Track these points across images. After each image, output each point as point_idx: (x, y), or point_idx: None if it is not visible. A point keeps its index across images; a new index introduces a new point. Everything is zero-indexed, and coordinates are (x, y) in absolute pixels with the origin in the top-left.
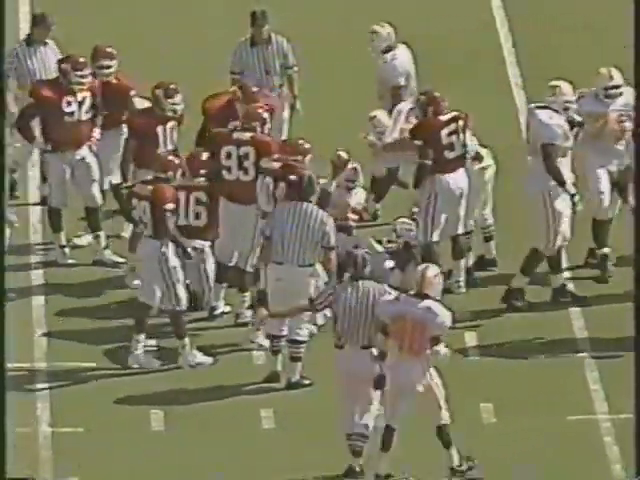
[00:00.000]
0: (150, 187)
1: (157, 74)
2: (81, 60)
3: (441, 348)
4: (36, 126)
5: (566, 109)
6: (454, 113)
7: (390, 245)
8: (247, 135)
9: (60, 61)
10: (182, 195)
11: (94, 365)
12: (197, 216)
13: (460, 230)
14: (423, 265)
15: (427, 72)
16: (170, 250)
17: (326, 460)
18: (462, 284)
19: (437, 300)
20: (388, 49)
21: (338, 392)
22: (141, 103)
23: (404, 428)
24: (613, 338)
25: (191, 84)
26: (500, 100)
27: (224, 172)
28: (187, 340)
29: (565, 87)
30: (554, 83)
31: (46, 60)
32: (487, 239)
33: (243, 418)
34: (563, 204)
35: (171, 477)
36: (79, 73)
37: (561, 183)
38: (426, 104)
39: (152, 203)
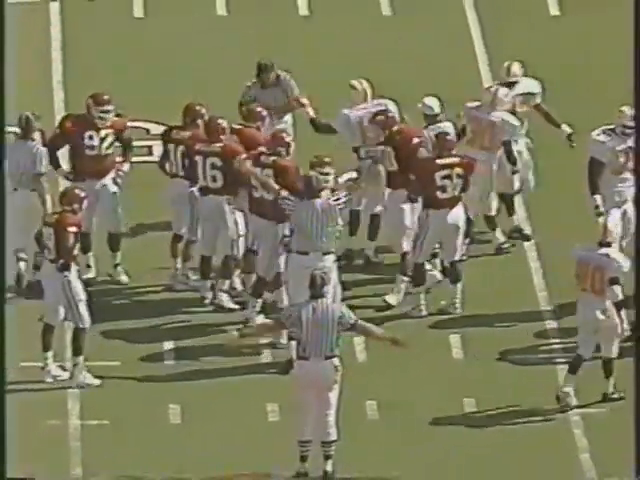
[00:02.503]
0: (56, 215)
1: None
2: (104, 97)
3: (615, 287)
4: (62, 156)
5: (625, 133)
6: (454, 159)
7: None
8: (270, 159)
9: (89, 97)
10: (200, 159)
11: (118, 363)
12: (214, 179)
13: (457, 257)
14: (602, 218)
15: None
16: (72, 272)
17: None
18: (458, 305)
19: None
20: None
21: (298, 400)
22: None
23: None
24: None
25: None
26: None
27: (252, 190)
28: (81, 359)
29: (630, 111)
30: (622, 108)
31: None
32: (434, 255)
33: (250, 411)
34: (616, 213)
35: (185, 465)
36: (100, 108)
37: (593, 194)
38: (436, 142)
39: (56, 228)
